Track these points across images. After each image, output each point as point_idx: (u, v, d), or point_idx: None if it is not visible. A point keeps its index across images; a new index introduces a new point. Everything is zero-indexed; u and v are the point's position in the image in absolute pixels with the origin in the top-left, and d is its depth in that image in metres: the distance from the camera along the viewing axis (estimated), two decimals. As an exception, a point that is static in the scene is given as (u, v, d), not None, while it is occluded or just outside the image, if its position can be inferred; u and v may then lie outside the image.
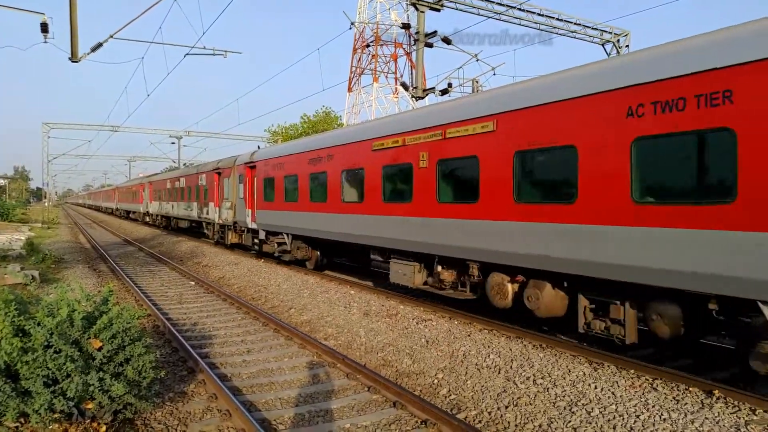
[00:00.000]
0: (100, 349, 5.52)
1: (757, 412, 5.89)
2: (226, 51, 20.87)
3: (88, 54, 15.66)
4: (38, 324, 5.40)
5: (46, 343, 5.30)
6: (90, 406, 5.39)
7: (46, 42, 15.65)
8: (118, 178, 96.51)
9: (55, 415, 5.23)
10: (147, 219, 43.89)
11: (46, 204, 64.48)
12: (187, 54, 20.08)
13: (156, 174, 45.94)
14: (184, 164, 48.43)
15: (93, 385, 5.21)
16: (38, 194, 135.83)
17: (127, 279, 16.18)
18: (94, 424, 5.56)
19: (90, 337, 5.56)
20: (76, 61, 15.15)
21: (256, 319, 11.41)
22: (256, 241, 20.20)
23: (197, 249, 24.47)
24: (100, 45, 15.95)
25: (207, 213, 25.76)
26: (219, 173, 23.86)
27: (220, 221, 23.75)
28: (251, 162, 19.97)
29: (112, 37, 16.36)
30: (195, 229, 31.74)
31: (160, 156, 65.91)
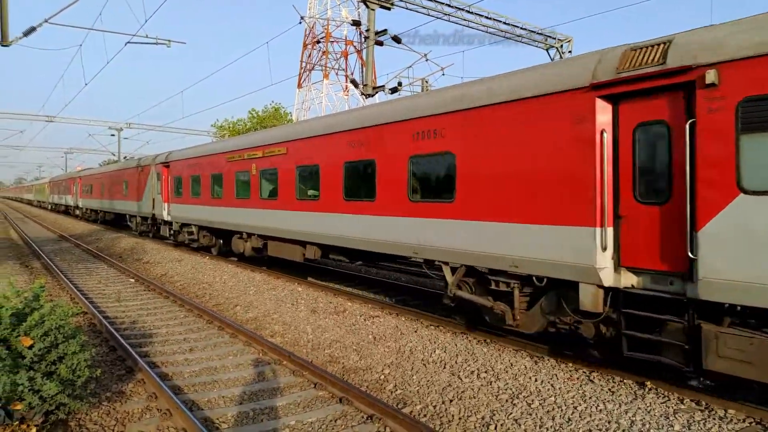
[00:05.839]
0: (30, 347, 5.25)
1: (684, 402, 6.23)
2: (169, 40, 20.18)
3: (20, 38, 14.81)
4: (-39, 321, 5.08)
5: (-30, 342, 4.99)
6: (18, 407, 5.10)
7: (-27, 24, 14.69)
8: (54, 171, 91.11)
9: (-20, 418, 4.93)
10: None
11: (-27, 197, 60.57)
12: (129, 42, 19.37)
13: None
14: (124, 157, 47.15)
15: (22, 384, 4.94)
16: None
17: (62, 276, 15.45)
18: (23, 426, 5.27)
19: (20, 335, 5.28)
20: (7, 45, 14.31)
21: (199, 316, 11.13)
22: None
23: (138, 245, 23.62)
24: (33, 29, 15.13)
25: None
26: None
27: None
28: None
29: (47, 21, 15.56)
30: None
31: (99, 149, 62.99)
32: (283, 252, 14.21)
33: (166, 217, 22.38)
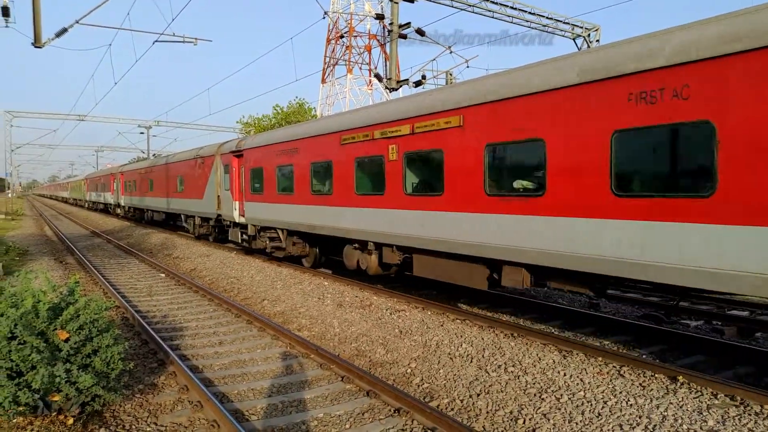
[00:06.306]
0: (66, 340, 5.40)
1: (718, 396, 6.09)
2: (196, 39, 20.50)
3: (52, 39, 15.19)
4: (1, 315, 5.25)
5: (9, 335, 5.16)
6: (56, 398, 5.27)
7: (7, 26, 15.12)
8: (86, 168, 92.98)
9: (20, 408, 5.11)
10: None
11: (10, 195, 62.65)
12: (156, 41, 19.69)
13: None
14: (153, 155, 47.23)
15: (59, 376, 5.10)
16: (0, 185, 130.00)
17: (95, 271, 15.83)
18: (61, 417, 5.44)
19: (56, 329, 5.43)
20: (40, 47, 14.69)
21: (228, 310, 11.30)
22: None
23: (168, 241, 24.08)
24: (65, 30, 15.49)
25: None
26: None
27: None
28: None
29: (77, 22, 15.91)
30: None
31: (129, 146, 64.46)
32: (447, 273, 10.03)
33: (238, 219, 18.24)
